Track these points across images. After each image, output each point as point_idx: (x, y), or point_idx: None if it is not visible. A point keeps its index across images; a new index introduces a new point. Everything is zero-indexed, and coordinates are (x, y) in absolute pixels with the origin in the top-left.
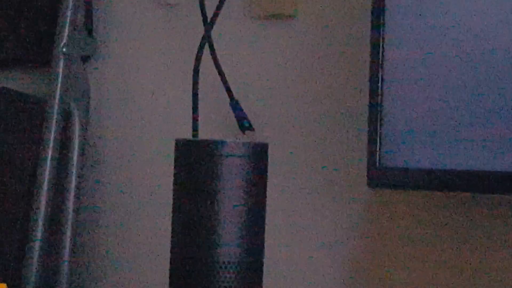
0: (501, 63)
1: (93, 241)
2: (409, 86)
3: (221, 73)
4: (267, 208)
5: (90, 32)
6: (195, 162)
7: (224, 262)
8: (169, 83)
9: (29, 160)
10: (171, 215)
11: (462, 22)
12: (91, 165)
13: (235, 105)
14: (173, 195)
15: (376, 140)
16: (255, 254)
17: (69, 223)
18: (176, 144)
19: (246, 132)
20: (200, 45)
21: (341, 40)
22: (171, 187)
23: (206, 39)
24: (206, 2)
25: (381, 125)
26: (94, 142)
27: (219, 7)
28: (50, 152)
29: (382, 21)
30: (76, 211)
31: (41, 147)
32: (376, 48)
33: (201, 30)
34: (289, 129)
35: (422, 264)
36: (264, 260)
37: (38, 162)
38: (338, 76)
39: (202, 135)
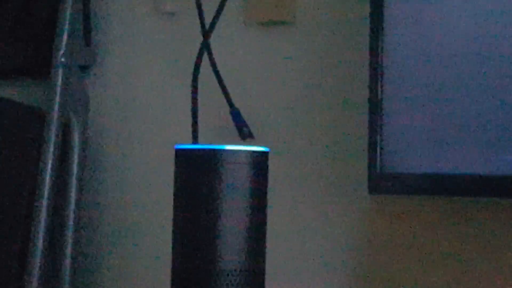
0: (501, 68)
1: (94, 249)
2: (409, 92)
3: (220, 81)
4: (268, 214)
5: (88, 41)
6: (195, 170)
7: (225, 270)
8: (168, 91)
9: (29, 170)
10: (172, 222)
11: (461, 28)
12: (91, 174)
13: (235, 113)
14: (174, 203)
15: (377, 145)
16: (257, 261)
17: (70, 232)
18: (176, 151)
19: (246, 139)
20: (199, 52)
21: (340, 46)
22: (172, 194)
23: (205, 46)
24: (204, 10)
25: (381, 131)
26: (94, 151)
27: (217, 15)
28: (50, 162)
29: (380, 26)
30: (77, 221)
31: (41, 157)
32: (375, 53)
33: (200, 37)
34: (289, 136)
35: (424, 269)
36: (266, 267)
37: (38, 172)
38: (338, 82)
39: (202, 142)
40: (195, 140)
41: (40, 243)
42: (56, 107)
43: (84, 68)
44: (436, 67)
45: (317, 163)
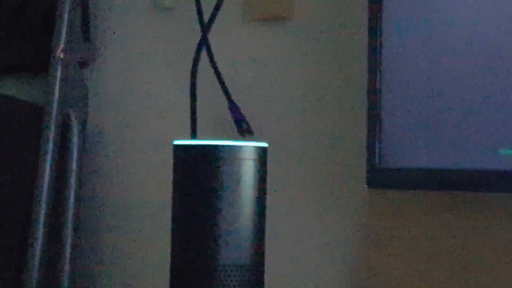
0: (500, 62)
1: (93, 246)
2: (407, 86)
3: (219, 76)
4: (267, 210)
5: (87, 38)
6: (194, 166)
7: (224, 265)
8: (167, 86)
9: (28, 167)
10: (171, 218)
11: (460, 23)
12: (90, 170)
13: (233, 108)
14: (173, 198)
15: (375, 140)
16: (256, 256)
17: (69, 229)
18: (175, 147)
19: (245, 134)
20: (197, 48)
21: (339, 41)
22: (171, 190)
23: (204, 42)
24: (203, 6)
25: (380, 125)
26: (93, 147)
27: (216, 10)
28: (49, 159)
29: (379, 21)
30: (76, 216)
31: (40, 153)
32: (373, 48)
33: (198, 33)
34: (288, 131)
35: (422, 263)
36: (265, 263)
37: (37, 169)
38: (336, 77)
39: (201, 138)
40: (194, 135)
41: (39, 240)
42: (55, 103)
43: (82, 64)
44: (435, 61)
45: (315, 157)
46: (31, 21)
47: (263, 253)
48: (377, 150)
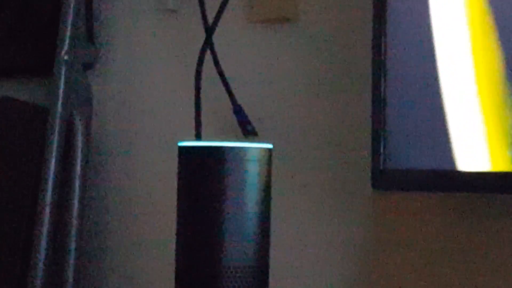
0: (503, 63)
1: (98, 248)
2: (412, 88)
3: (223, 78)
4: (272, 211)
5: (91, 39)
6: (198, 167)
7: (229, 267)
8: (171, 88)
9: (32, 169)
10: (175, 220)
11: (463, 24)
12: (95, 172)
13: (238, 110)
14: (178, 200)
15: (380, 141)
16: (261, 258)
17: (74, 231)
18: (180, 149)
19: (250, 136)
20: (202, 49)
21: (343, 43)
22: (175, 192)
23: (208, 43)
24: (207, 7)
25: (384, 126)
26: (97, 149)
27: (220, 11)
28: (53, 160)
29: (383, 22)
30: (80, 218)
31: (44, 155)
32: (378, 50)
33: (202, 35)
34: (292, 132)
35: (427, 264)
36: (270, 264)
37: (42, 171)
38: (341, 79)
39: (206, 139)
40: (198, 137)
41: (43, 242)
42: (59, 105)
43: (87, 66)
44: (439, 62)
45: (320, 159)
46: (35, 23)
47: (268, 254)
48: (382, 151)
